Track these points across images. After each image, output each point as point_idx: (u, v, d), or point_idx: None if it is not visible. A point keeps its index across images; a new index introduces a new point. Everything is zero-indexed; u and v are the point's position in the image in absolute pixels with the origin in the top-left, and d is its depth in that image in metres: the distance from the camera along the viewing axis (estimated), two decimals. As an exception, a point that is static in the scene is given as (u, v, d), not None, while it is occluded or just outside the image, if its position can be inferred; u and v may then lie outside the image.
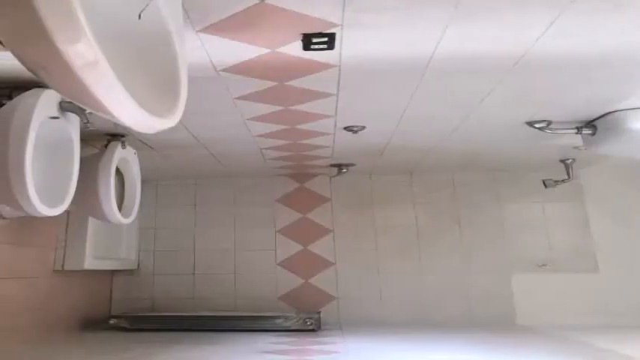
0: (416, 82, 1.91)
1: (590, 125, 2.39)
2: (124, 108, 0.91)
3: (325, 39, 1.52)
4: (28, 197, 1.69)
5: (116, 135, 2.52)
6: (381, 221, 3.60)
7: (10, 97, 1.82)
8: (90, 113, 1.94)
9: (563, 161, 3.21)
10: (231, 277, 3.55)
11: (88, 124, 2.01)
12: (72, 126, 1.98)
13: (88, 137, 2.51)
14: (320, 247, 3.57)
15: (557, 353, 2.22)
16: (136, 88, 0.93)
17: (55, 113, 1.86)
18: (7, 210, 2.07)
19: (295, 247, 3.58)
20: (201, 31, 1.47)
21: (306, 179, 3.72)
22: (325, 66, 1.74)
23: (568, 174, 3.21)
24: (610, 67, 1.79)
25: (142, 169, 2.84)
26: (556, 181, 3.30)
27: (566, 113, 2.30)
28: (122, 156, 2.53)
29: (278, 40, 1.54)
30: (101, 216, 2.45)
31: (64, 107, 1.90)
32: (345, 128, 2.49)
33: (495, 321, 3.32)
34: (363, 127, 2.47)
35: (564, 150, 2.96)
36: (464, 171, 3.61)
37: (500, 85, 1.94)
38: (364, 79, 1.86)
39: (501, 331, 2.93)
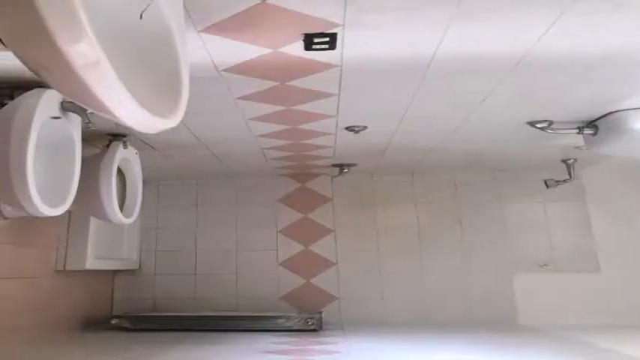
0: (417, 82, 1.91)
1: (592, 125, 2.39)
2: (125, 108, 0.91)
3: (327, 39, 1.52)
4: (29, 197, 1.69)
5: (118, 135, 2.52)
6: (382, 221, 3.60)
7: (11, 97, 1.82)
8: (91, 113, 1.94)
9: (564, 161, 3.20)
10: (233, 277, 3.55)
11: (90, 124, 2.01)
12: (73, 126, 1.98)
13: (89, 137, 2.51)
14: (321, 247, 3.57)
15: (559, 353, 2.21)
16: (137, 88, 0.93)
17: (57, 113, 1.86)
18: (8, 210, 2.07)
19: (297, 247, 3.58)
20: (202, 31, 1.47)
21: (308, 179, 3.72)
22: (327, 66, 1.74)
23: (569, 174, 3.21)
24: (612, 67, 1.78)
25: (143, 169, 2.84)
26: (557, 181, 3.30)
27: (567, 113, 2.29)
28: (124, 156, 2.53)
29: (279, 40, 1.54)
30: (103, 216, 2.45)
31: (66, 107, 1.90)
32: (347, 128, 2.48)
33: (497, 321, 3.32)
34: (365, 127, 2.47)
35: (566, 150, 2.96)
36: (465, 171, 3.61)
37: (501, 85, 1.94)
38: (366, 79, 1.86)
39: (503, 331, 2.92)
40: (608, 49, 1.63)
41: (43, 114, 1.76)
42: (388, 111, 2.24)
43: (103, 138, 2.54)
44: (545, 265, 3.41)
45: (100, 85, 0.83)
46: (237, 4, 1.34)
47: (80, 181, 2.01)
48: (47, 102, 1.78)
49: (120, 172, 2.64)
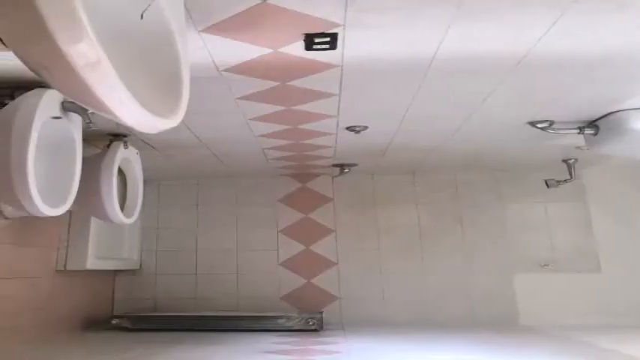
0: (418, 82, 1.90)
1: (593, 125, 2.39)
2: (126, 108, 0.91)
3: (327, 39, 1.52)
4: (30, 197, 1.69)
5: (118, 135, 2.52)
6: (383, 221, 3.60)
7: (12, 97, 1.82)
8: (92, 113, 1.94)
9: (565, 161, 3.20)
10: (234, 277, 3.55)
11: (91, 124, 2.01)
12: (74, 126, 1.99)
13: (90, 137, 2.52)
14: (322, 247, 3.57)
15: (560, 353, 2.21)
16: (138, 88, 0.93)
17: (58, 113, 1.86)
18: (9, 210, 2.07)
19: (297, 247, 3.58)
20: (203, 31, 1.47)
21: (309, 179, 3.72)
22: (327, 66, 1.74)
23: (570, 174, 3.21)
24: (612, 67, 1.78)
25: (144, 169, 2.84)
26: (558, 181, 3.29)
27: (568, 113, 2.29)
28: (124, 156, 2.53)
29: (280, 40, 1.54)
30: (103, 216, 2.46)
31: (67, 107, 1.90)
32: (348, 128, 2.48)
33: (498, 321, 3.32)
34: (366, 127, 2.47)
35: (567, 150, 2.96)
36: (466, 171, 3.61)
37: (502, 85, 1.94)
38: (366, 79, 1.86)
39: (504, 331, 2.92)
40: (609, 49, 1.63)
41: (43, 114, 1.76)
42: (389, 111, 2.24)
43: (103, 138, 2.54)
44: (545, 265, 3.41)
45: (101, 85, 0.83)
46: (238, 4, 1.34)
47: (81, 181, 2.01)
48: (48, 102, 1.78)
49: (120, 172, 2.64)
